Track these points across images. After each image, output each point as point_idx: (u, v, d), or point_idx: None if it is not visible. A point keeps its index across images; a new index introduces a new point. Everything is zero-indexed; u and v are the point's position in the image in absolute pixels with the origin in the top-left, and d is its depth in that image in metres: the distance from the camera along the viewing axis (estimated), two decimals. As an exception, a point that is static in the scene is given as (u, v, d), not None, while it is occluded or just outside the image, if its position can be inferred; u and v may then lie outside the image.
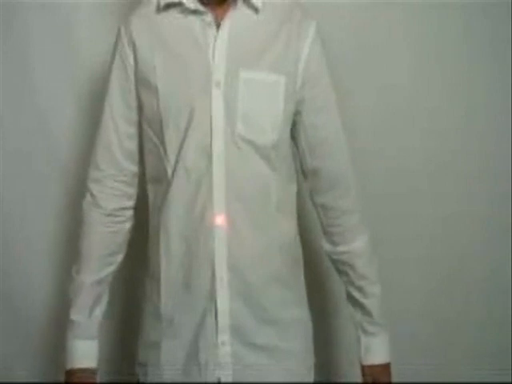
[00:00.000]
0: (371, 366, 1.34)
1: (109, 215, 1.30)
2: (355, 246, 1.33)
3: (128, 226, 1.34)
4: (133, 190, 1.33)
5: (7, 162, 1.74)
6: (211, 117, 1.21)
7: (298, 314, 1.31)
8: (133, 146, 1.31)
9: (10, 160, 1.74)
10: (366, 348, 1.34)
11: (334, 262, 1.36)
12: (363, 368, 1.35)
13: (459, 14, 1.75)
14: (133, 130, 1.31)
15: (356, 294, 1.34)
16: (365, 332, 1.35)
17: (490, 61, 1.77)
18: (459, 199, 1.80)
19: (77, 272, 1.31)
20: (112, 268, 1.33)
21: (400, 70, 1.76)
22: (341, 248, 1.33)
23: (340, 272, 1.37)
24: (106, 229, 1.31)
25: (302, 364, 1.31)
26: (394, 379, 1.48)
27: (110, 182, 1.30)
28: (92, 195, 1.30)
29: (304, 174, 1.34)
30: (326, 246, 1.36)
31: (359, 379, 1.38)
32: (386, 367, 1.35)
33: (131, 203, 1.34)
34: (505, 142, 1.79)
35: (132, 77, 1.28)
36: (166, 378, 1.25)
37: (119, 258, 1.34)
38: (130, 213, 1.34)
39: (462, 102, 1.79)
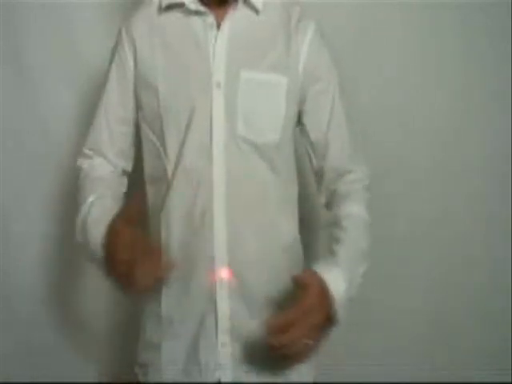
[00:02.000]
0: (312, 272, 1.13)
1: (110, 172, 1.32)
2: (352, 211, 1.24)
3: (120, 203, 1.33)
4: (124, 180, 1.35)
5: (7, 162, 1.74)
6: (212, 117, 1.21)
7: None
8: (126, 144, 1.33)
9: (10, 160, 1.74)
10: (323, 261, 1.17)
11: (328, 227, 1.26)
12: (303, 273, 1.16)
13: (458, 13, 1.75)
14: (127, 129, 1.32)
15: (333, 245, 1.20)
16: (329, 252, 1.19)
17: (489, 60, 1.77)
18: (459, 199, 1.80)
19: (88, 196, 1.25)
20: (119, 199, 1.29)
21: (399, 69, 1.77)
22: (336, 212, 1.26)
23: (331, 238, 1.23)
24: (111, 174, 1.32)
25: (302, 365, 1.29)
26: (394, 379, 1.49)
27: (102, 169, 1.32)
28: (88, 165, 1.32)
29: (312, 172, 1.33)
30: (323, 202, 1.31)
31: (359, 379, 1.38)
32: (326, 293, 1.10)
33: (123, 188, 1.35)
34: (505, 142, 1.79)
35: (131, 78, 1.28)
36: (167, 378, 1.25)
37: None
38: (122, 195, 1.34)
39: (461, 101, 1.79)
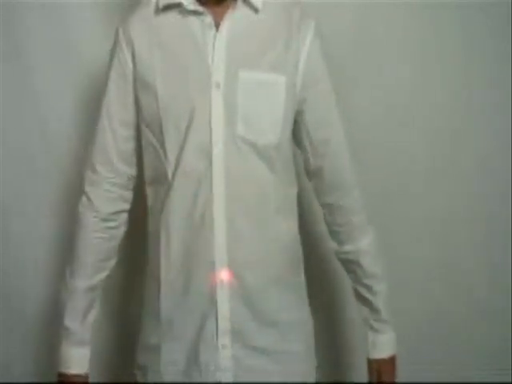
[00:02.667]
0: (377, 361, 1.36)
1: (104, 220, 1.30)
2: (361, 244, 1.34)
3: (122, 230, 1.34)
4: (128, 193, 1.33)
5: (7, 162, 1.74)
6: (211, 118, 1.21)
7: (298, 315, 1.31)
8: (129, 148, 1.31)
9: (10, 160, 1.74)
10: (373, 343, 1.37)
11: (342, 260, 1.38)
12: (369, 362, 1.38)
13: (459, 13, 1.74)
14: (129, 133, 1.30)
15: (364, 292, 1.36)
16: (372, 328, 1.37)
17: (489, 61, 1.77)
18: (459, 199, 1.80)
19: (71, 275, 1.30)
20: (105, 273, 1.33)
21: (400, 69, 1.76)
22: (348, 247, 1.35)
23: (348, 270, 1.39)
24: (102, 234, 1.30)
25: (304, 366, 1.31)
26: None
27: (106, 184, 1.30)
28: (88, 198, 1.30)
29: (308, 174, 1.35)
30: (333, 246, 1.38)
31: (360, 380, 1.38)
32: (391, 359, 1.38)
33: (127, 206, 1.34)
34: (505, 142, 1.79)
35: (130, 79, 1.27)
36: (166, 380, 1.25)
37: (112, 262, 1.34)
38: (125, 217, 1.34)
39: (461, 101, 1.78)
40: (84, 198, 1.31)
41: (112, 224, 1.31)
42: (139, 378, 1.31)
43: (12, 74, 1.72)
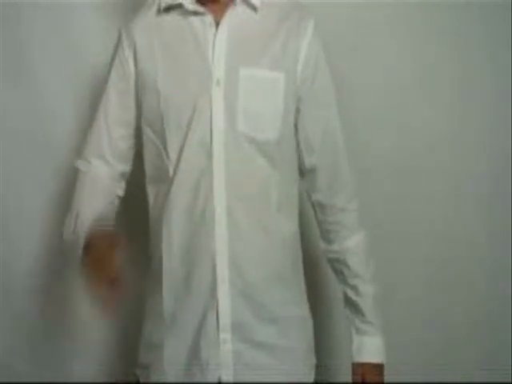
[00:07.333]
0: (361, 364, 1.34)
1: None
2: (350, 244, 1.34)
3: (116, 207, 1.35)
4: (123, 185, 1.36)
5: (6, 162, 1.75)
6: (212, 115, 1.21)
7: (298, 312, 1.31)
8: (124, 146, 1.33)
9: (10, 159, 1.74)
10: (358, 346, 1.35)
11: (330, 260, 1.39)
12: (353, 366, 1.35)
13: (459, 13, 1.75)
14: (127, 132, 1.32)
15: (350, 293, 1.35)
16: (357, 330, 1.35)
17: (490, 60, 1.78)
18: (459, 199, 1.80)
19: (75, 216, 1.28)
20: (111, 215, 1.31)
21: (400, 69, 1.77)
22: (336, 246, 1.36)
23: (335, 270, 1.38)
24: (107, 174, 1.32)
25: (303, 363, 1.31)
26: (394, 379, 1.48)
27: (102, 173, 1.32)
28: (85, 168, 1.33)
29: (301, 171, 1.35)
30: (322, 244, 1.39)
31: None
32: (377, 367, 1.34)
33: (121, 193, 1.36)
34: (505, 142, 1.80)
35: (131, 79, 1.29)
36: (169, 377, 1.25)
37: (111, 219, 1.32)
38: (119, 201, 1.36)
39: (461, 101, 1.79)
40: (81, 173, 1.33)
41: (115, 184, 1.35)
42: (142, 378, 1.31)
43: (12, 74, 1.72)
